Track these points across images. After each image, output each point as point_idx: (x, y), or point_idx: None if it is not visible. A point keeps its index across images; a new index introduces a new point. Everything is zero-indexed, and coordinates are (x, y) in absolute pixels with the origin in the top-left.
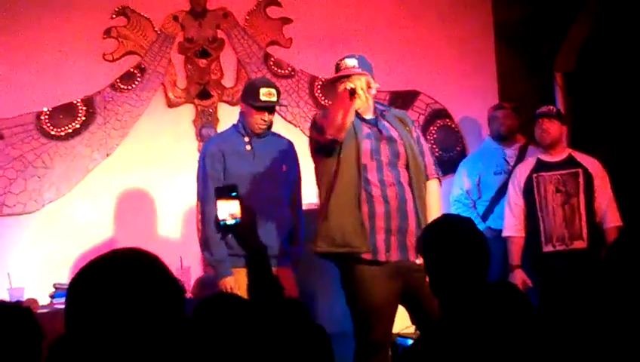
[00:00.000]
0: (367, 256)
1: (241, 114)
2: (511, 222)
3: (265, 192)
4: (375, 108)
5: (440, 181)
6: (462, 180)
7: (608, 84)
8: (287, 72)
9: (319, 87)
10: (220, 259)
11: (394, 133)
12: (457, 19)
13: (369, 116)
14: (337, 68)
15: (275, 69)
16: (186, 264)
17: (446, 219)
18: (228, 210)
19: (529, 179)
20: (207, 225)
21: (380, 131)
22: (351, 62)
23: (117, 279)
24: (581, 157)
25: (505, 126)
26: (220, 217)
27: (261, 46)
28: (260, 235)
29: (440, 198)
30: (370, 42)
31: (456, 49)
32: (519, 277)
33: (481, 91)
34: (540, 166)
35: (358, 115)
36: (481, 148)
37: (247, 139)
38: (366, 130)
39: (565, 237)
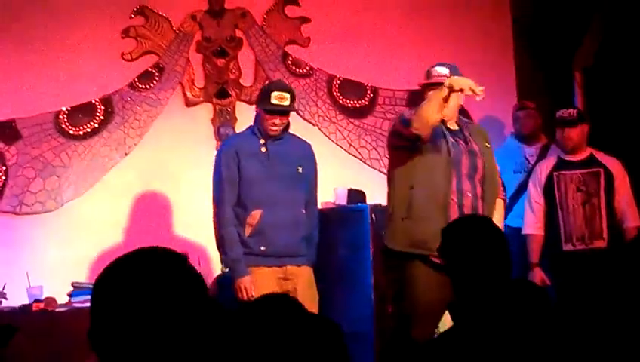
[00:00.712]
0: (437, 260)
1: (256, 117)
2: (531, 220)
3: (279, 193)
4: (459, 119)
5: (505, 201)
6: None
7: (627, 81)
8: (305, 71)
9: (337, 86)
10: (236, 259)
11: (475, 147)
12: (475, 16)
13: (453, 127)
14: (428, 75)
15: (293, 68)
16: (204, 264)
17: (465, 220)
18: None
19: (550, 178)
20: (223, 226)
21: (465, 142)
22: (443, 70)
23: (144, 276)
24: (602, 157)
25: (527, 126)
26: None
27: (279, 45)
28: (275, 235)
29: (502, 218)
30: (389, 41)
31: (475, 47)
32: (538, 276)
33: (499, 89)
34: (561, 164)
35: (443, 123)
36: (503, 146)
37: (262, 140)
38: (451, 139)
39: (585, 236)
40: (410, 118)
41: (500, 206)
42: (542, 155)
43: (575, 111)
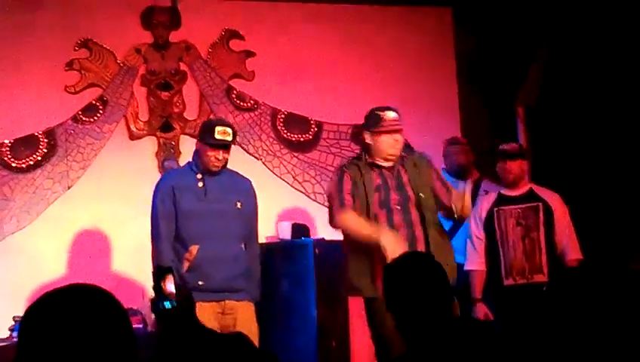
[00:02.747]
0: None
1: (196, 152)
2: (473, 256)
3: (217, 228)
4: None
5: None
6: None
7: (569, 119)
8: (249, 105)
9: (282, 120)
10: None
11: (404, 178)
12: (419, 53)
13: (389, 164)
14: (377, 119)
15: (238, 101)
16: (148, 298)
17: (405, 258)
18: (163, 291)
19: (490, 213)
20: (159, 262)
21: (394, 176)
22: (392, 114)
23: (68, 312)
24: (541, 191)
25: (458, 161)
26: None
27: (224, 79)
28: (212, 270)
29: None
30: (333, 76)
31: (418, 83)
32: (481, 311)
33: (443, 124)
34: (501, 200)
35: (374, 163)
36: None
37: (199, 176)
38: (377, 181)
39: (526, 270)
40: (334, 215)
41: (457, 196)
42: (475, 190)
43: (517, 145)
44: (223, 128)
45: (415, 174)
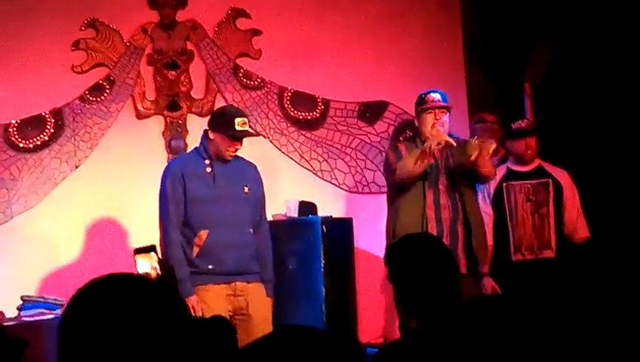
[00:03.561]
0: None
1: (207, 140)
2: None
3: (225, 213)
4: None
5: None
6: None
7: (576, 95)
8: (256, 83)
9: (288, 98)
10: (181, 279)
11: (451, 161)
12: (426, 31)
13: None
14: (422, 101)
15: (245, 80)
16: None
17: (408, 238)
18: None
19: (499, 188)
20: (167, 247)
21: (445, 158)
22: (436, 96)
23: (126, 302)
24: (550, 168)
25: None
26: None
27: (230, 57)
28: (222, 254)
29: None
30: (340, 53)
31: (426, 60)
32: (489, 285)
33: (450, 101)
34: (510, 175)
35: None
36: None
37: (207, 161)
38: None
39: (534, 246)
40: (395, 168)
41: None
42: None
43: (529, 122)
44: (242, 119)
45: (461, 159)
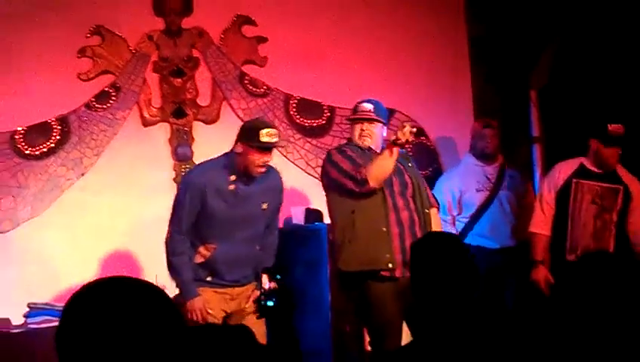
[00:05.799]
0: (386, 273)
1: (235, 153)
2: (540, 219)
3: (237, 232)
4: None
5: (438, 209)
6: (442, 196)
7: (580, 99)
8: (262, 90)
9: (294, 105)
10: (186, 281)
11: (400, 166)
12: (431, 37)
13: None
14: (355, 110)
15: (250, 87)
16: (161, 282)
17: (432, 237)
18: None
19: (568, 183)
20: (172, 253)
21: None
22: (368, 106)
23: (123, 306)
24: (625, 175)
25: (492, 145)
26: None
27: (236, 65)
28: (224, 270)
29: (440, 224)
30: (345, 60)
31: (432, 67)
32: (541, 273)
33: (456, 109)
34: (583, 172)
35: (372, 150)
36: (461, 165)
37: (232, 177)
38: None
39: (591, 249)
40: (362, 177)
41: (434, 214)
42: (501, 175)
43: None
44: (268, 130)
45: (407, 166)
